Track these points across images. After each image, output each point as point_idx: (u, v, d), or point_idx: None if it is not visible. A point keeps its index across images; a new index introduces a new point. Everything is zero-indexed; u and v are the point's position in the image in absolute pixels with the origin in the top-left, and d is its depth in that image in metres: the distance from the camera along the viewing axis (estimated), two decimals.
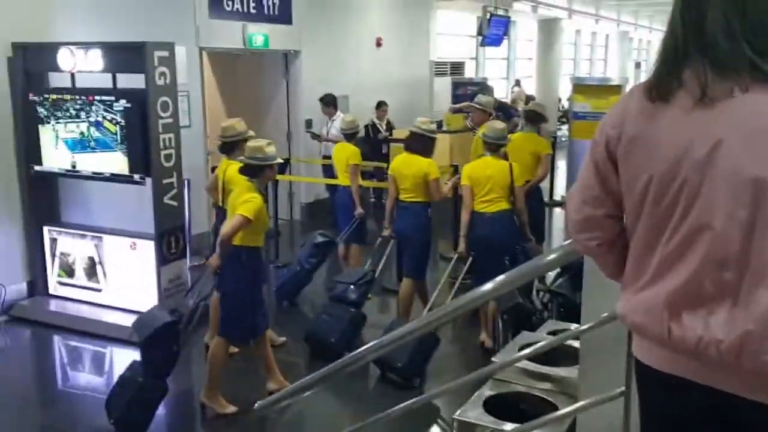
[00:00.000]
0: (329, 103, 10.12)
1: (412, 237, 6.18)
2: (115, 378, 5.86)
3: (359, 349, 2.99)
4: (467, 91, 10.87)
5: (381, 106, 11.47)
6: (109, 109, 6.18)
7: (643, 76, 30.54)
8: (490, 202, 5.76)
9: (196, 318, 5.19)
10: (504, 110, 11.08)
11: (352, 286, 6.17)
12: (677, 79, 1.55)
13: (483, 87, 12.07)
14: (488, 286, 2.58)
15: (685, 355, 1.56)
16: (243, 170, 4.90)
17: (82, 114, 6.32)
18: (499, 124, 6.16)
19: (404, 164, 6.15)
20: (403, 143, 6.39)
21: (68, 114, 6.41)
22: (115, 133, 6.20)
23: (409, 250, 6.26)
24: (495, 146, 5.86)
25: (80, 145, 6.43)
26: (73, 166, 6.55)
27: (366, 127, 10.57)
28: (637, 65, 32.17)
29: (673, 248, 1.55)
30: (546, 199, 8.62)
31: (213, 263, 4.85)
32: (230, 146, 5.84)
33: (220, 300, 5.10)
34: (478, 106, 7.68)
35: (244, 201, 4.70)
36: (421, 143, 6.08)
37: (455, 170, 7.23)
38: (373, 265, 6.80)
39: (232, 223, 4.68)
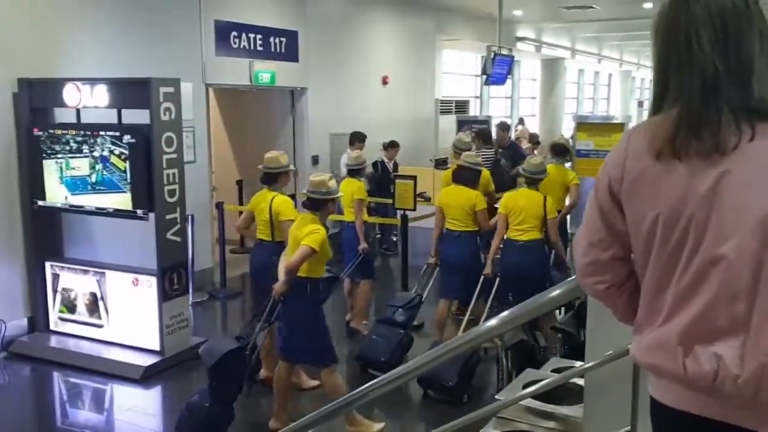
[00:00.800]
0: (352, 139, 10.14)
1: (463, 263, 6.40)
2: (116, 415, 5.84)
3: (392, 371, 2.86)
4: (471, 129, 10.92)
5: (394, 145, 10.98)
6: (118, 142, 6.17)
7: (645, 114, 30.61)
8: (523, 231, 6.14)
9: (261, 344, 5.34)
10: (515, 148, 11.17)
11: (400, 309, 6.44)
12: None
13: (501, 124, 12.09)
14: (493, 322, 2.54)
15: (701, 392, 1.52)
16: (307, 204, 5.08)
17: (85, 148, 6.33)
18: (536, 159, 6.57)
19: (451, 195, 6.50)
20: (452, 176, 6.72)
21: (68, 148, 6.42)
22: (124, 171, 6.18)
23: (461, 275, 6.43)
24: (531, 179, 6.27)
25: (82, 185, 6.42)
26: (68, 202, 6.56)
27: (374, 163, 10.54)
28: (640, 104, 32.38)
29: (686, 284, 1.52)
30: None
31: (278, 289, 4.98)
32: (273, 178, 5.97)
33: (299, 336, 5.10)
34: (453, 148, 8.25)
35: (310, 232, 4.85)
36: (467, 175, 6.47)
37: None
38: (420, 290, 6.99)
39: (299, 253, 4.82)
